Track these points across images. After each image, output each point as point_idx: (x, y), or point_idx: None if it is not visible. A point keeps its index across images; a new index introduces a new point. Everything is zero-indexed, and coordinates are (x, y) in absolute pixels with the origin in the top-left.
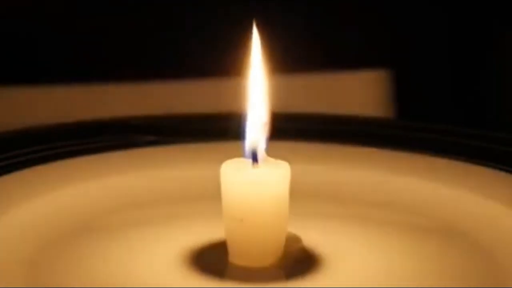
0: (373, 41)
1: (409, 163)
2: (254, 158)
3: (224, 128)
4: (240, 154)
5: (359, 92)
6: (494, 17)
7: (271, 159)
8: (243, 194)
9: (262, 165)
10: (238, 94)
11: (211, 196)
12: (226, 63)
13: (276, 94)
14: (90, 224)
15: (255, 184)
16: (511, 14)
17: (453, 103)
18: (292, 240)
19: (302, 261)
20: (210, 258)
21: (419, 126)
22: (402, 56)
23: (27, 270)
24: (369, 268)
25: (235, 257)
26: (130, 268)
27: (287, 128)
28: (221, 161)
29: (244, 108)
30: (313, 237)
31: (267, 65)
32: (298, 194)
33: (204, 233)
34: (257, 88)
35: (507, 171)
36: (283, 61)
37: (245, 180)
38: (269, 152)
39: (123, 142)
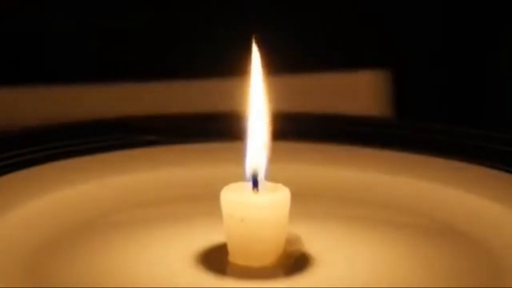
0: (373, 41)
1: (409, 163)
2: (255, 183)
3: (224, 128)
4: (240, 154)
5: (359, 92)
6: (494, 16)
7: (271, 184)
8: (244, 218)
9: (262, 190)
10: (238, 94)
11: (211, 196)
12: (226, 63)
13: (276, 94)
14: (90, 224)
15: (255, 209)
16: (510, 13)
17: (453, 103)
18: (292, 240)
19: (301, 260)
20: (210, 258)
21: (419, 126)
22: (401, 56)
23: (27, 270)
24: (369, 268)
25: (235, 257)
26: (129, 268)
27: (287, 128)
28: (221, 161)
29: (244, 109)
30: (313, 237)
31: (266, 84)
32: (298, 194)
33: (204, 233)
34: (257, 108)
35: (507, 171)
36: (283, 61)
37: (245, 205)
38: (269, 153)
39: (123, 142)
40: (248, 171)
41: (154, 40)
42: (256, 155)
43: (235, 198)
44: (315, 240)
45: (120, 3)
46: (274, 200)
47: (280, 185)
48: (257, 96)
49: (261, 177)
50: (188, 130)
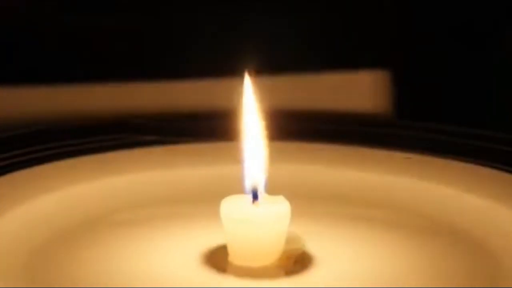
0: (373, 41)
1: (409, 163)
2: (254, 195)
3: (224, 128)
4: (239, 154)
5: (359, 92)
6: (494, 16)
7: (271, 197)
8: (244, 231)
9: (262, 203)
10: (238, 94)
11: (211, 196)
12: (226, 63)
13: (276, 94)
14: (90, 224)
15: (255, 223)
16: (511, 13)
17: (453, 103)
18: (292, 240)
19: (302, 260)
20: (210, 258)
21: (419, 126)
22: (402, 56)
23: (28, 270)
24: (369, 268)
25: (235, 258)
26: (129, 268)
27: (287, 128)
28: (221, 161)
29: (243, 109)
30: (313, 236)
31: (265, 84)
32: (298, 194)
33: (204, 233)
34: (255, 109)
35: (507, 171)
36: (283, 61)
37: (245, 219)
38: (270, 152)
39: (123, 142)
40: (248, 184)
41: (154, 40)
42: (255, 168)
43: (235, 212)
44: (315, 240)
45: (119, 3)
46: (274, 214)
47: (280, 197)
48: (254, 97)
49: (261, 190)
50: (188, 130)
